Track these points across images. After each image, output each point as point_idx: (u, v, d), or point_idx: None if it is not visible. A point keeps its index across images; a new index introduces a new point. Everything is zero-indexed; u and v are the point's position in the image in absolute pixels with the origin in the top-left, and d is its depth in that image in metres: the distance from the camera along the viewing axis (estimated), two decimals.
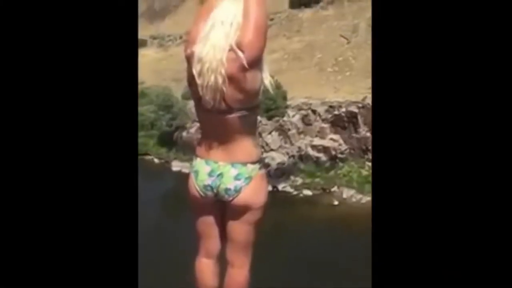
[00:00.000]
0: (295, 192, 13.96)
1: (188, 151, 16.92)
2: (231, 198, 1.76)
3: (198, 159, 1.80)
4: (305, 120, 15.30)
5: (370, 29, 19.20)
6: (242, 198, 1.75)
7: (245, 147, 1.74)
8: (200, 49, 1.63)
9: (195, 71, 1.65)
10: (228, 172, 1.73)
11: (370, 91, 14.77)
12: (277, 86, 16.11)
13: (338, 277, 8.95)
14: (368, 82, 15.60)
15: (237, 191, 1.74)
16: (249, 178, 1.74)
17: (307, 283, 8.98)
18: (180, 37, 23.04)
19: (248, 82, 1.64)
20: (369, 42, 18.77)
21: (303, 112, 15.38)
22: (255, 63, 1.64)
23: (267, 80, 1.71)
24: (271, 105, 15.46)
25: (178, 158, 16.91)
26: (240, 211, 1.77)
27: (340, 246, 10.18)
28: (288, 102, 15.59)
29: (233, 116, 1.67)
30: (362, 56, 16.76)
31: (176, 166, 16.47)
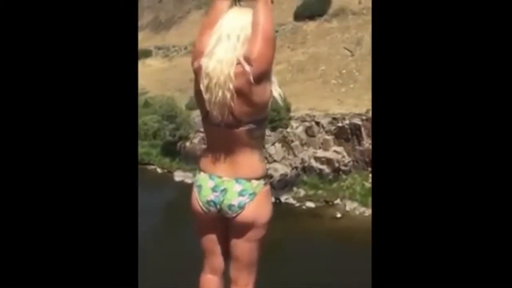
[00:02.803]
0: (297, 204, 13.91)
1: (191, 161, 16.91)
2: (234, 215, 1.71)
3: (202, 174, 1.76)
4: (308, 131, 15.30)
5: None
6: (245, 215, 1.70)
7: (250, 162, 1.70)
8: (207, 64, 1.61)
9: (202, 86, 1.62)
10: (232, 187, 1.69)
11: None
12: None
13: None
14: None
15: (241, 207, 1.69)
16: (253, 194, 1.70)
17: None
18: (185, 48, 23.22)
19: (256, 95, 1.60)
20: None
21: (307, 123, 15.39)
22: (263, 77, 1.60)
23: (276, 92, 1.67)
24: (275, 116, 15.46)
25: (181, 168, 16.93)
26: (244, 228, 1.72)
27: (342, 259, 10.09)
28: (292, 114, 15.62)
29: (241, 129, 1.64)
30: (365, 68, 16.79)
31: (179, 176, 16.50)
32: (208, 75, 1.60)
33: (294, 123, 15.50)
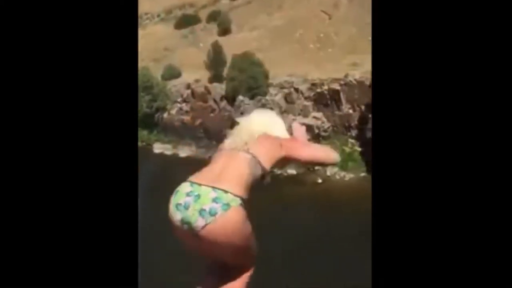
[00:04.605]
0: (279, 172, 14.04)
1: (170, 132, 16.76)
2: (201, 226, 1.62)
3: (185, 182, 1.75)
4: (287, 98, 15.28)
5: (351, 4, 19.07)
6: (214, 228, 1.62)
7: (236, 180, 1.72)
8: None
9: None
10: (207, 194, 1.66)
11: (352, 67, 14.80)
12: (259, 64, 15.99)
13: (325, 252, 9.11)
14: (350, 58, 15.60)
15: (212, 215, 1.62)
16: (227, 205, 1.64)
17: (294, 260, 9.12)
18: (158, 15, 22.55)
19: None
20: (351, 17, 18.66)
21: (286, 90, 15.35)
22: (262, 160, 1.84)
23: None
24: (253, 84, 15.34)
25: (160, 140, 16.79)
26: (213, 242, 1.65)
27: (325, 223, 10.34)
28: (270, 81, 15.52)
29: (246, 156, 1.82)
30: (343, 32, 16.69)
31: (158, 148, 16.38)
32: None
33: (272, 91, 15.44)
